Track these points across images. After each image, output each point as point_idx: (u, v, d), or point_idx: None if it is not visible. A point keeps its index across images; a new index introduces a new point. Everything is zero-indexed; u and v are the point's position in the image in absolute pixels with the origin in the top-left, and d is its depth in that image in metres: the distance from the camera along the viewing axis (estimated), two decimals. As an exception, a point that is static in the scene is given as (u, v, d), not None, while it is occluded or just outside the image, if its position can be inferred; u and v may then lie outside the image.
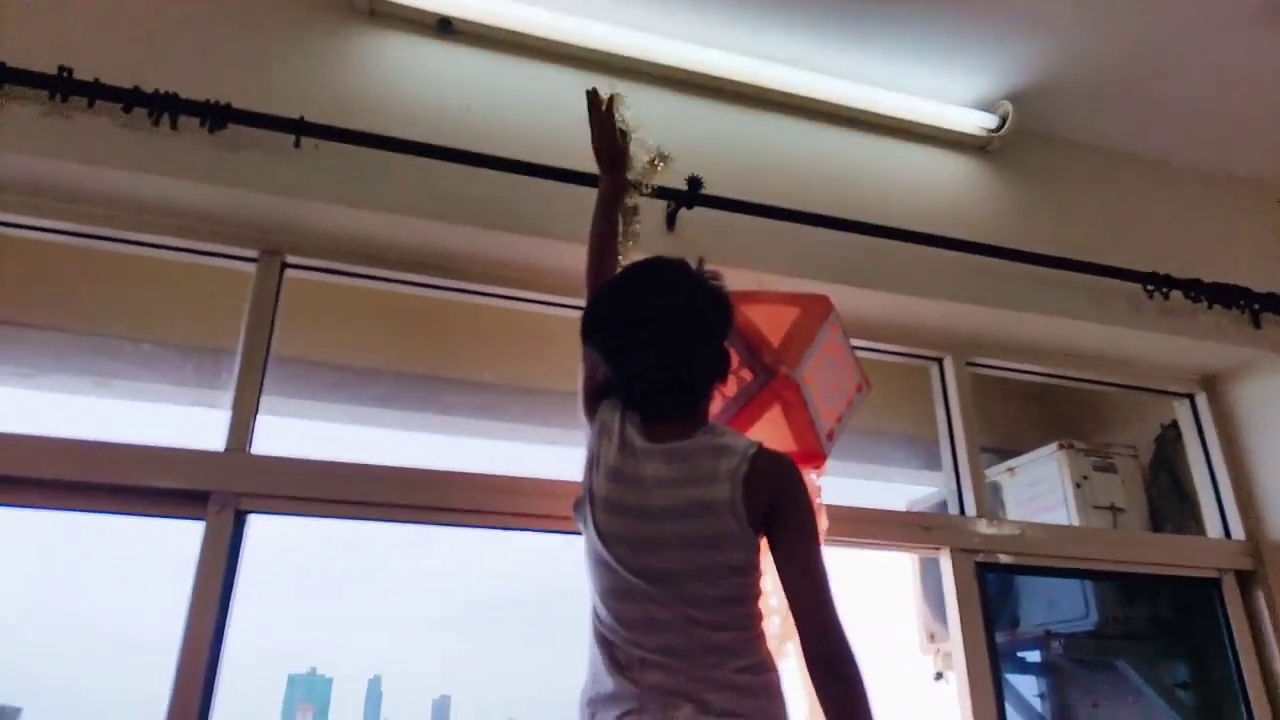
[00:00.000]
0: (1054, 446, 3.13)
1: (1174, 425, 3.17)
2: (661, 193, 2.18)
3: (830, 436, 1.91)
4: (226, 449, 2.04)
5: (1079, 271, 2.56)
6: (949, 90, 2.62)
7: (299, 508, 2.05)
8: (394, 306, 2.74)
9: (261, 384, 2.13)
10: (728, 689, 1.36)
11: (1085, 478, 3.09)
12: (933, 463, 3.28)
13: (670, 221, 2.27)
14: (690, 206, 2.22)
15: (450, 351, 2.90)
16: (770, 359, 1.87)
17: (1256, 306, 2.69)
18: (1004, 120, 2.63)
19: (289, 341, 2.36)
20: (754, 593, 1.46)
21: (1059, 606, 3.14)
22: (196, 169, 2.01)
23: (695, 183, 2.19)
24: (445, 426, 3.01)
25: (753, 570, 1.46)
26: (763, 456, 1.50)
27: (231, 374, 2.12)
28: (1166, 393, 2.99)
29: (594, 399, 1.62)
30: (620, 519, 1.46)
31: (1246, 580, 2.74)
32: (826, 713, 1.39)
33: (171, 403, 2.74)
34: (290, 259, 2.23)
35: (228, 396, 2.10)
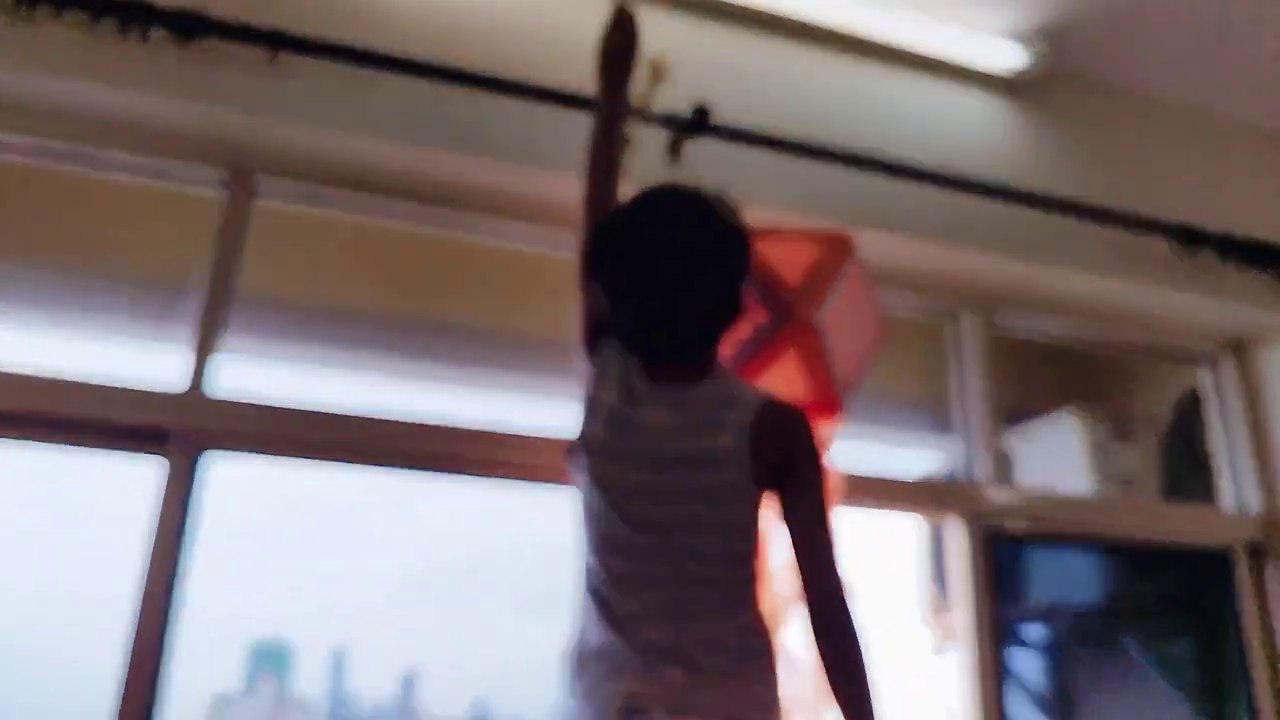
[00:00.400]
0: (1069, 411, 3.13)
1: (1194, 393, 3.16)
2: (665, 120, 2.13)
3: (848, 386, 1.87)
4: (189, 387, 2.00)
5: (1108, 224, 2.52)
6: (979, 21, 2.55)
7: (263, 449, 2.03)
8: (373, 242, 2.68)
9: (225, 319, 2.09)
10: (720, 649, 1.36)
11: (1100, 445, 3.10)
12: (938, 426, 3.27)
13: (674, 151, 2.22)
14: (697, 136, 2.17)
15: (434, 293, 2.84)
16: (789, 301, 1.83)
17: (1287, 267, 2.67)
18: (1035, 57, 2.57)
19: (259, 277, 2.30)
20: (753, 550, 1.45)
21: (1067, 581, 3.17)
22: (166, 83, 1.96)
23: (703, 110, 2.14)
24: (426, 374, 2.96)
25: (753, 527, 1.45)
26: (773, 408, 1.49)
27: (194, 305, 2.07)
28: (1190, 356, 2.97)
29: (594, 338, 1.57)
30: (618, 467, 1.43)
31: (1258, 553, 2.76)
32: (826, 673, 1.40)
33: (132, 339, 2.69)
34: (261, 184, 2.17)
35: (189, 333, 2.06)
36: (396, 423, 2.09)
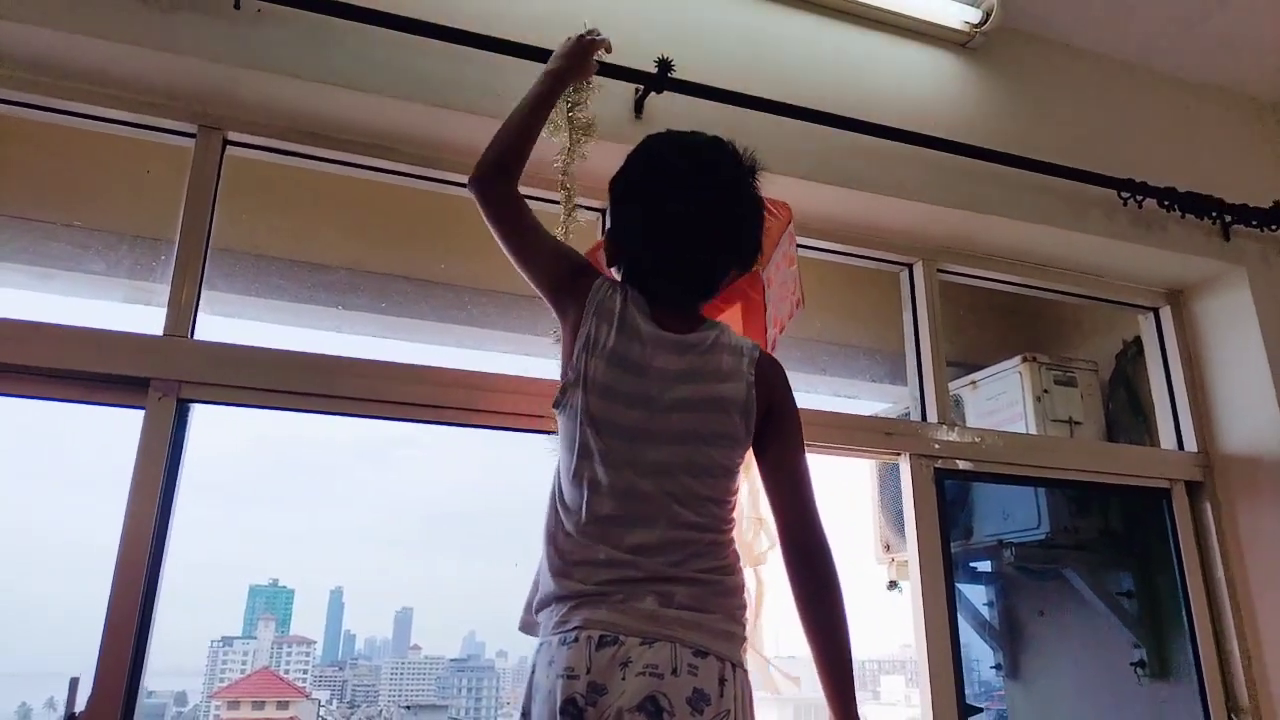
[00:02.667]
0: (1017, 360, 3.15)
1: (1135, 341, 3.21)
2: (629, 75, 2.09)
3: (773, 346, 1.89)
4: (166, 334, 1.95)
5: (1055, 175, 2.51)
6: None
7: (245, 398, 1.97)
8: (349, 196, 2.63)
9: (203, 269, 2.03)
10: (693, 584, 1.35)
11: (1046, 391, 3.12)
12: (896, 377, 3.28)
13: (638, 107, 2.18)
14: (660, 90, 2.13)
15: (410, 247, 2.80)
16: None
17: (1228, 218, 2.68)
18: (988, 15, 2.55)
19: (233, 232, 2.26)
20: (734, 495, 1.46)
21: (1012, 517, 3.20)
22: (131, 32, 1.88)
23: (665, 65, 2.09)
24: (404, 329, 2.93)
25: (737, 473, 1.46)
26: (764, 357, 1.52)
27: (170, 259, 2.02)
28: (1133, 305, 2.99)
29: (570, 277, 1.51)
30: (619, 407, 1.40)
31: (1195, 491, 2.80)
32: (804, 608, 1.43)
33: (108, 294, 2.63)
34: (232, 135, 2.11)
35: (166, 286, 2.00)
36: (380, 365, 2.04)
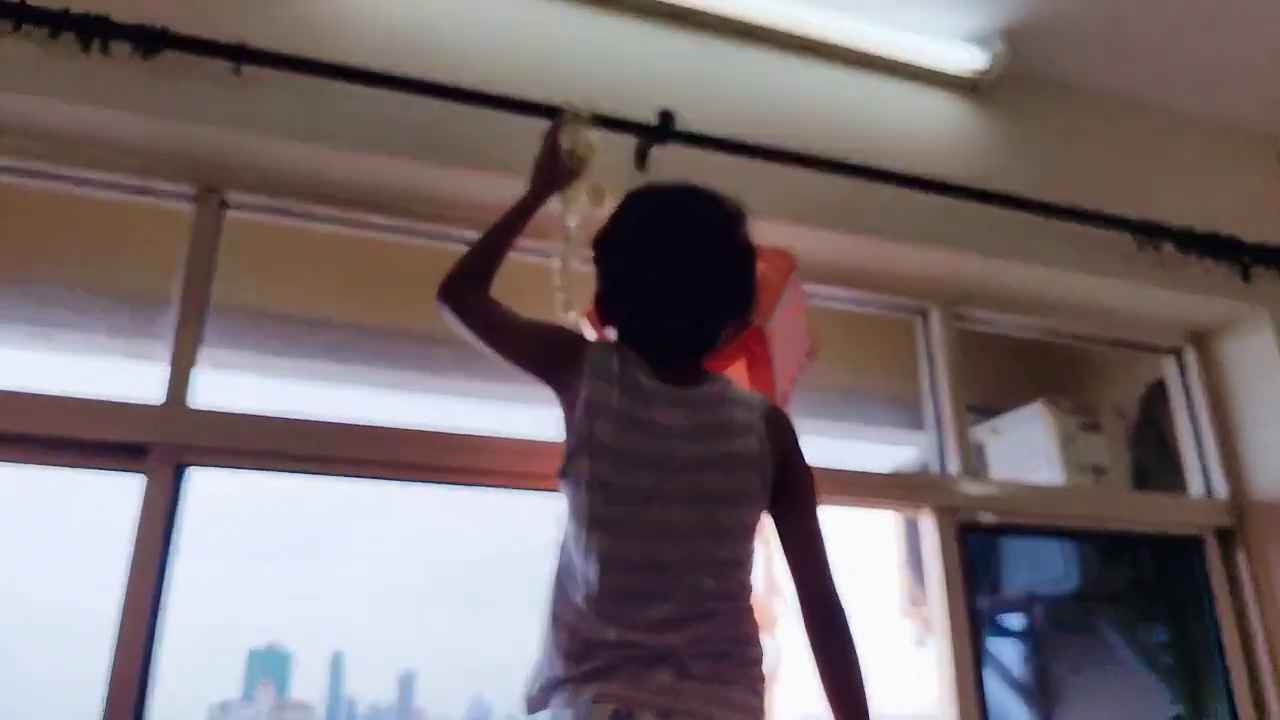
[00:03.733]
0: (1039, 404, 3.12)
1: (1161, 383, 3.15)
2: (631, 128, 2.10)
3: (784, 399, 1.87)
4: (166, 401, 1.95)
5: (1070, 219, 2.51)
6: (938, 24, 2.54)
7: (243, 462, 1.98)
8: (347, 253, 2.65)
9: (202, 332, 2.05)
10: (713, 657, 1.31)
11: (1070, 436, 3.09)
12: (913, 422, 3.25)
13: (640, 159, 2.19)
14: (662, 142, 2.14)
15: (409, 302, 2.80)
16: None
17: (1246, 259, 2.66)
18: (995, 58, 2.56)
19: (233, 290, 2.27)
20: (752, 557, 1.42)
21: (1040, 569, 3.15)
22: (129, 98, 1.91)
23: (667, 116, 2.11)
24: (405, 384, 2.93)
25: (756, 533, 1.43)
26: (774, 410, 1.50)
27: (169, 319, 2.03)
28: (1155, 348, 2.96)
29: (559, 347, 1.50)
30: (631, 470, 1.35)
31: (1227, 538, 2.75)
32: (823, 672, 1.39)
33: (107, 354, 2.65)
34: (230, 197, 2.14)
35: (167, 348, 2.01)
36: (379, 430, 2.04)
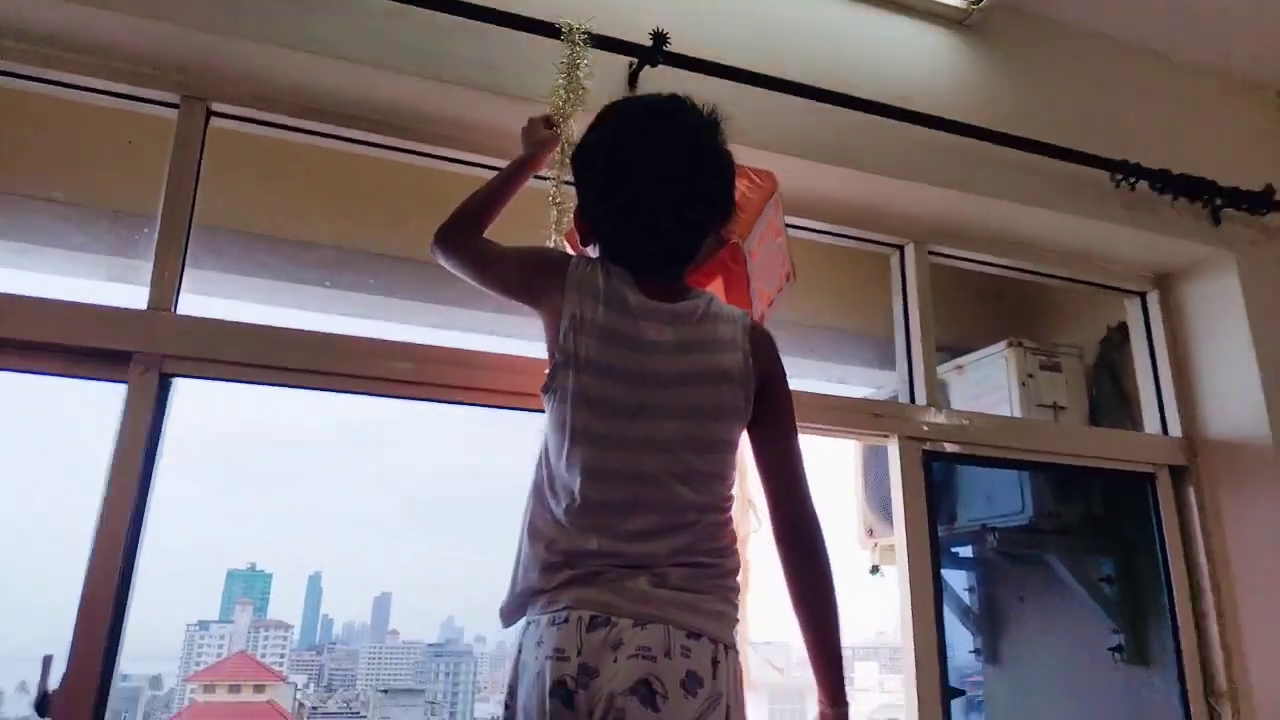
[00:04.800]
0: (1003, 344, 3.16)
1: (1120, 327, 3.22)
2: (624, 48, 2.07)
3: (761, 321, 1.87)
4: (149, 307, 1.92)
5: (1049, 156, 2.51)
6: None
7: (229, 373, 1.94)
8: (336, 171, 2.60)
9: (186, 243, 2.00)
10: (690, 566, 1.32)
11: (1031, 376, 3.14)
12: (877, 361, 3.29)
13: (632, 80, 2.16)
14: (654, 64, 2.10)
15: (399, 225, 2.76)
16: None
17: (1219, 201, 2.69)
18: (982, -8, 2.54)
19: (218, 208, 2.21)
20: (734, 471, 1.43)
21: (996, 502, 3.22)
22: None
23: (660, 38, 2.07)
24: (390, 309, 2.89)
25: (736, 448, 1.44)
26: (757, 327, 1.49)
27: (153, 235, 1.97)
28: (1120, 289, 3.00)
29: (541, 265, 1.50)
30: (614, 384, 1.35)
31: (1179, 476, 2.82)
32: (796, 589, 1.41)
33: (90, 271, 2.59)
34: (216, 106, 2.08)
35: (149, 259, 1.96)
36: (366, 342, 2.01)
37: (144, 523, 1.81)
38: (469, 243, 1.58)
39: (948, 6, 2.59)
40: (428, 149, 2.22)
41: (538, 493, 1.40)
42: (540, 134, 1.80)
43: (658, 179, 1.42)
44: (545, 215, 1.88)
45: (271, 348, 1.95)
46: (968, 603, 3.65)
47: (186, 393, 1.93)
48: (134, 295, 1.94)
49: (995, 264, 2.81)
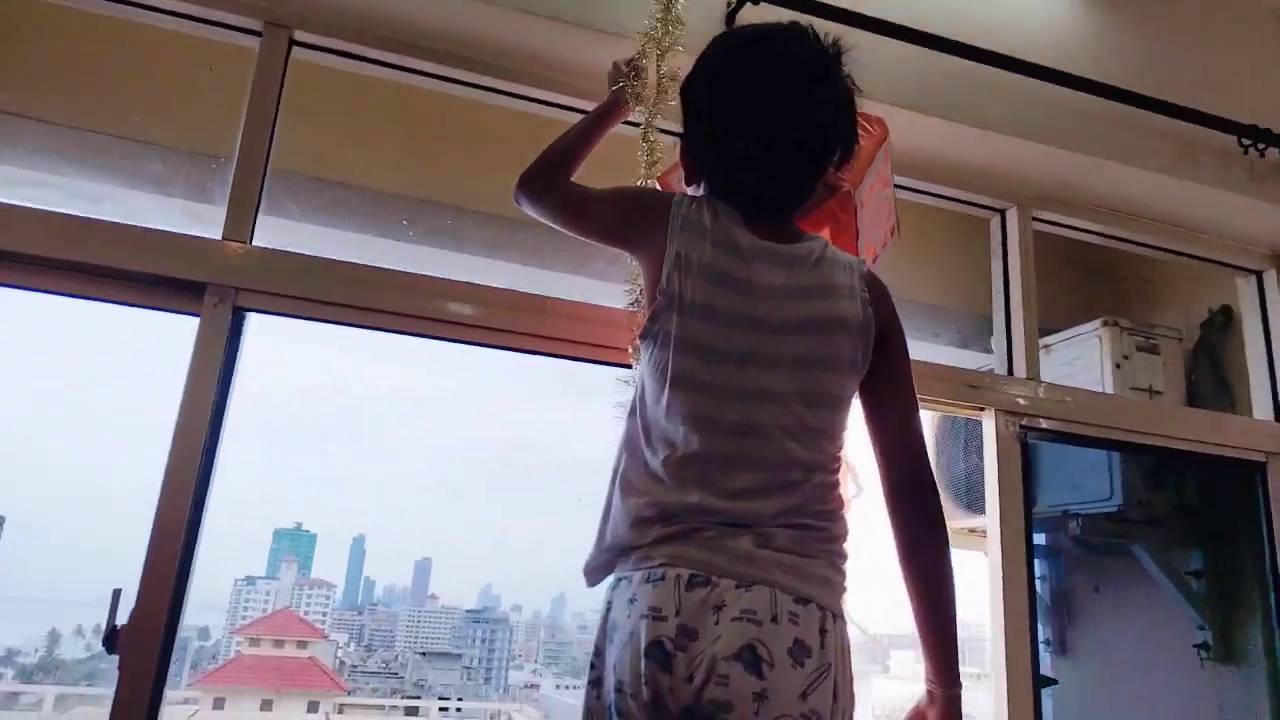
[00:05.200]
0: (1097, 323, 2.99)
1: (1223, 310, 3.04)
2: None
3: None
4: (224, 238, 1.84)
5: (1174, 117, 2.33)
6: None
7: (303, 309, 1.85)
8: (416, 115, 2.50)
9: (265, 175, 1.92)
10: (795, 529, 1.21)
11: (1126, 357, 2.97)
12: (971, 342, 3.12)
13: (730, 19, 2.02)
14: (756, 1, 1.96)
15: (478, 177, 2.65)
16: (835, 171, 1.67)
17: (1349, 174, 2.48)
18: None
19: (292, 153, 2.13)
20: (843, 430, 1.31)
21: (1083, 487, 3.06)
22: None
23: (767, -28, 1.93)
24: (463, 265, 2.79)
25: (849, 404, 1.32)
26: (873, 277, 1.38)
27: (229, 170, 1.89)
28: (1235, 266, 2.80)
29: (640, 205, 1.40)
30: (723, 329, 1.25)
31: (1287, 464, 2.63)
32: (910, 558, 1.30)
33: (164, 218, 2.53)
34: (299, 35, 1.98)
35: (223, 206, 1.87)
36: (440, 282, 1.92)
37: (215, 461, 1.74)
38: (557, 186, 1.50)
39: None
40: (514, 87, 2.11)
41: (630, 444, 1.30)
42: (623, 84, 1.71)
43: (774, 114, 1.30)
44: (634, 159, 1.76)
45: (346, 285, 1.87)
46: (1038, 591, 3.49)
47: (250, 344, 1.85)
48: (210, 230, 1.87)
49: (1103, 234, 2.62)
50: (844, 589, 1.26)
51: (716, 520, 1.19)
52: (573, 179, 1.52)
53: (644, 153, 1.74)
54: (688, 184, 1.42)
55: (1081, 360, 3.07)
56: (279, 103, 1.94)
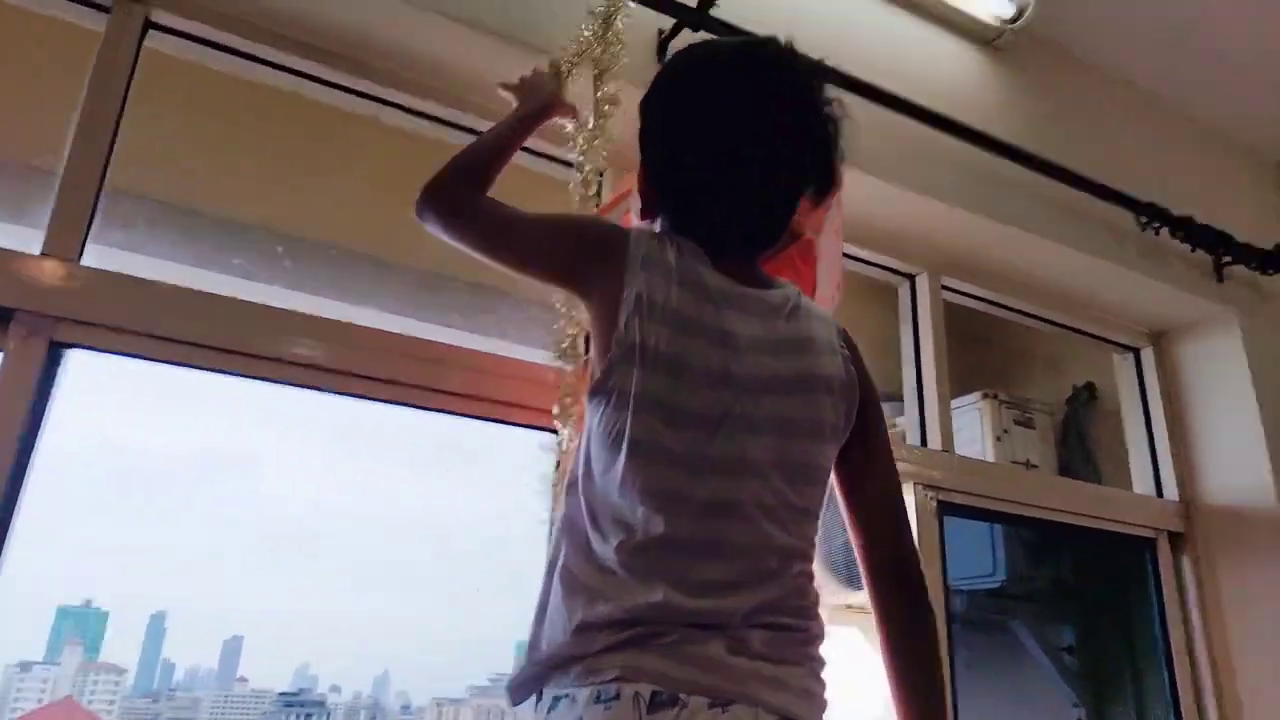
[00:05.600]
0: (977, 395, 2.97)
1: (1087, 386, 3.10)
2: (665, 5, 1.76)
3: None
4: (44, 253, 1.46)
5: (1081, 189, 2.33)
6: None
7: (142, 347, 1.49)
8: (285, 138, 2.16)
9: (102, 182, 1.55)
10: (772, 630, 0.99)
11: (1006, 430, 2.96)
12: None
13: (662, 49, 1.85)
14: (696, 28, 1.80)
15: (343, 207, 2.32)
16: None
17: (1229, 257, 2.57)
18: (1021, 11, 2.37)
19: (134, 173, 1.77)
20: (821, 509, 1.11)
21: (966, 562, 3.01)
22: None
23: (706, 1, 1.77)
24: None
25: (829, 478, 1.12)
26: (846, 332, 1.19)
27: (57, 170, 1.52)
28: (1116, 344, 2.85)
29: (591, 237, 1.15)
30: (696, 386, 1.01)
31: (1175, 542, 2.65)
32: (898, 654, 1.11)
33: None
34: (156, 15, 1.65)
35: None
36: (295, 316, 1.61)
37: (10, 529, 1.35)
38: (474, 203, 1.21)
39: (980, 24, 2.42)
40: (412, 102, 1.84)
41: (570, 528, 1.04)
42: (551, 87, 1.48)
43: (732, 126, 1.11)
44: (542, 195, 1.54)
45: (203, 319, 1.52)
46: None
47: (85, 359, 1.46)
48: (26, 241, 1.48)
49: (997, 302, 2.60)
50: (825, 704, 1.03)
51: (681, 621, 0.95)
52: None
53: (577, 184, 1.51)
54: (644, 216, 1.19)
55: (965, 432, 3.04)
56: (126, 96, 1.59)
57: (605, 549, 0.98)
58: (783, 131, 1.12)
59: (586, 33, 1.58)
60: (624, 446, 0.99)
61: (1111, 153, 2.59)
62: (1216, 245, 2.53)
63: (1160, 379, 2.78)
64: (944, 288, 2.47)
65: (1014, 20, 2.38)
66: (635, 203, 1.21)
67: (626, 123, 1.42)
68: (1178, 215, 2.46)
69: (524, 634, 1.05)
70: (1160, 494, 2.70)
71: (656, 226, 1.17)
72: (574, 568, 1.01)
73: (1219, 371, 2.67)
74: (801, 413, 1.06)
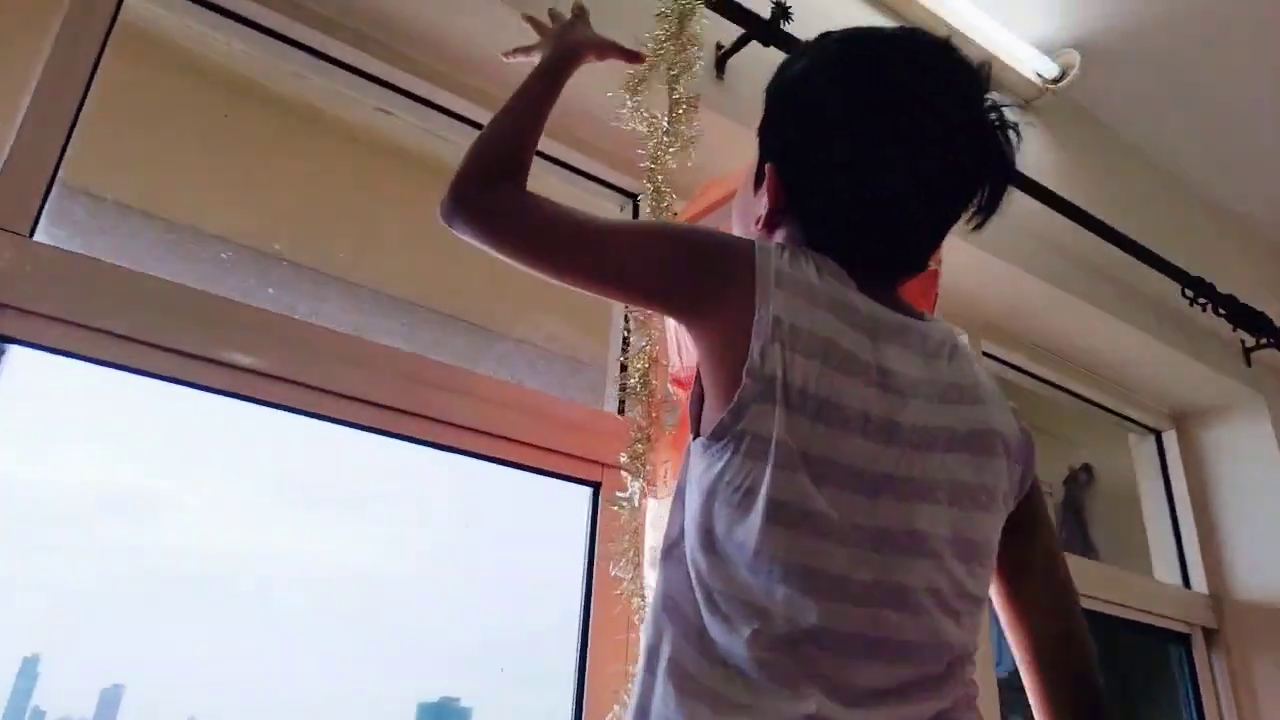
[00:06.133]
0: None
1: (1085, 468, 2.98)
2: (740, 15, 1.56)
3: None
4: (-11, 224, 1.17)
5: (1133, 253, 2.20)
6: (1018, 24, 2.22)
7: (102, 350, 1.20)
8: (266, 130, 1.89)
9: (64, 148, 1.28)
10: None
11: (1010, 508, 2.82)
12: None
13: (721, 65, 1.65)
14: (766, 43, 1.60)
15: (327, 218, 2.04)
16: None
17: (1264, 340, 2.47)
18: (1064, 72, 2.26)
19: (91, 171, 1.49)
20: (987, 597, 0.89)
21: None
22: None
23: (782, 10, 1.57)
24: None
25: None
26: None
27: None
28: (1137, 424, 2.72)
29: (701, 248, 0.87)
30: (853, 436, 0.77)
31: (1211, 638, 2.49)
32: None
33: None
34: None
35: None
36: (274, 317, 1.36)
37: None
38: (520, 199, 0.93)
39: (1024, 80, 2.30)
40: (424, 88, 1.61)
41: (676, 611, 0.78)
42: (579, 29, 1.19)
43: (932, 146, 0.88)
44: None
45: (167, 312, 1.25)
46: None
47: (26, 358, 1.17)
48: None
49: (1032, 373, 2.44)
50: None
51: None
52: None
53: (649, 194, 1.28)
54: (768, 225, 0.93)
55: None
56: (98, 62, 1.32)
57: (731, 641, 0.74)
58: (977, 139, 0.89)
59: (657, 32, 1.39)
60: (759, 507, 0.74)
61: (1141, 224, 2.49)
62: (1255, 327, 2.41)
63: (1185, 463, 2.63)
64: (984, 353, 2.31)
65: (1056, 80, 2.26)
66: (749, 210, 0.97)
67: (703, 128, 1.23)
68: (1223, 293, 2.34)
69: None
70: (1187, 585, 2.53)
71: (781, 237, 0.93)
72: (687, 663, 0.75)
73: (1248, 458, 2.55)
74: (976, 477, 0.83)
